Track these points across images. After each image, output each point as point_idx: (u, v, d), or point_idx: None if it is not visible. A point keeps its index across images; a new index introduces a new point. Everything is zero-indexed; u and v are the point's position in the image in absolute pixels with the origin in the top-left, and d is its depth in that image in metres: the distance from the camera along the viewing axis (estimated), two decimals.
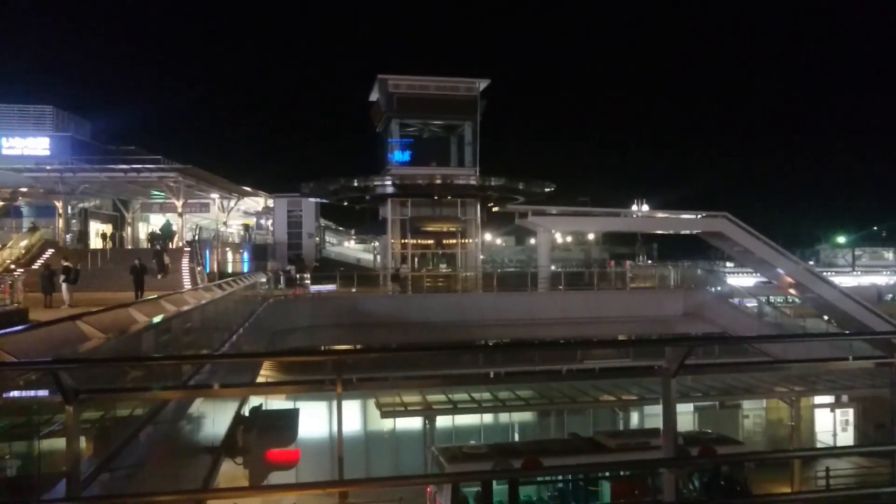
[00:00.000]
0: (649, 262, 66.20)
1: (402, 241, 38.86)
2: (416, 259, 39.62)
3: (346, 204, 45.64)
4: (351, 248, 64.40)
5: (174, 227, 52.36)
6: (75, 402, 2.74)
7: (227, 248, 51.84)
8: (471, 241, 40.09)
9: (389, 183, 38.83)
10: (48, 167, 44.67)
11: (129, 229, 57.92)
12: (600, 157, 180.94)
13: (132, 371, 5.39)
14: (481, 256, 40.87)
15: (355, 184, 39.40)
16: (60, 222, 48.60)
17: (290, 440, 7.93)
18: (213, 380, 8.26)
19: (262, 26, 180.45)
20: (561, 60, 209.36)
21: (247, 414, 8.73)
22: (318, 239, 57.72)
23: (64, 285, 27.00)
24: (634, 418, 28.81)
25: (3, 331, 3.65)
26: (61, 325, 4.71)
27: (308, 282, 33.45)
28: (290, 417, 8.32)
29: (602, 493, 20.32)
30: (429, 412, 24.44)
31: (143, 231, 58.66)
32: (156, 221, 57.91)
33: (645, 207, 55.04)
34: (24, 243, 43.74)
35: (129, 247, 51.04)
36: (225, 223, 56.81)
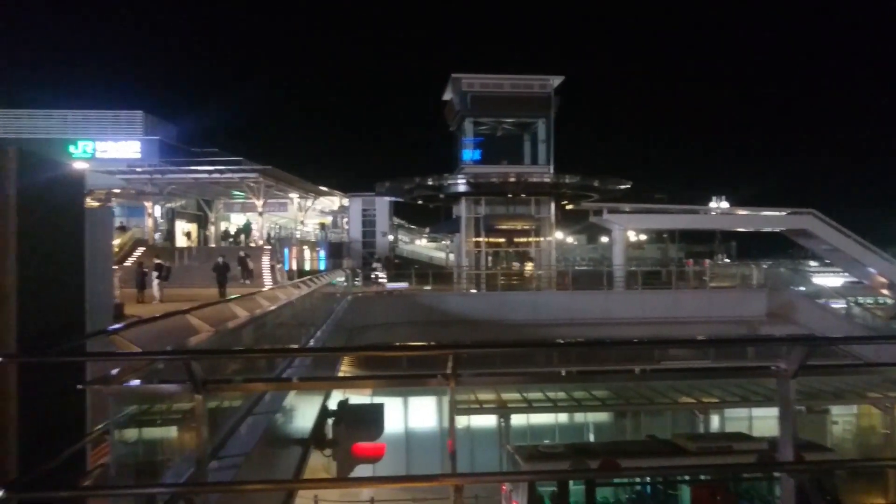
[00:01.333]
0: (727, 260, 64.25)
1: (476, 239, 38.99)
2: (489, 257, 39.68)
3: (420, 203, 46.14)
4: (423, 246, 65.10)
5: (253, 227, 54.26)
6: (204, 391, 2.95)
7: (305, 247, 53.30)
8: (544, 239, 39.86)
9: (463, 181, 39.01)
10: (139, 169, 47.00)
11: (212, 228, 60.31)
12: (677, 153, 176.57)
13: (231, 363, 5.67)
14: (554, 254, 40.55)
15: (430, 182, 39.77)
16: (149, 222, 51.06)
17: (376, 434, 8.16)
18: (301, 374, 8.60)
19: (338, 29, 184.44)
20: (637, 55, 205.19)
21: (333, 407, 9.02)
22: (391, 237, 58.62)
23: (156, 282, 28.42)
24: (715, 422, 28.03)
25: (128, 323, 3.95)
26: (174, 318, 5.03)
27: (384, 279, 34.03)
28: (377, 412, 8.55)
29: (682, 498, 19.88)
30: (504, 410, 24.48)
31: (231, 229, 60.97)
32: (237, 221, 60.11)
33: (724, 204, 53.41)
34: (116, 242, 46.21)
35: (213, 245, 53.12)
36: (302, 222, 58.40)
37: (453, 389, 3.17)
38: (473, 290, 34.29)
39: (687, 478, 19.17)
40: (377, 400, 18.34)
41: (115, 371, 3.30)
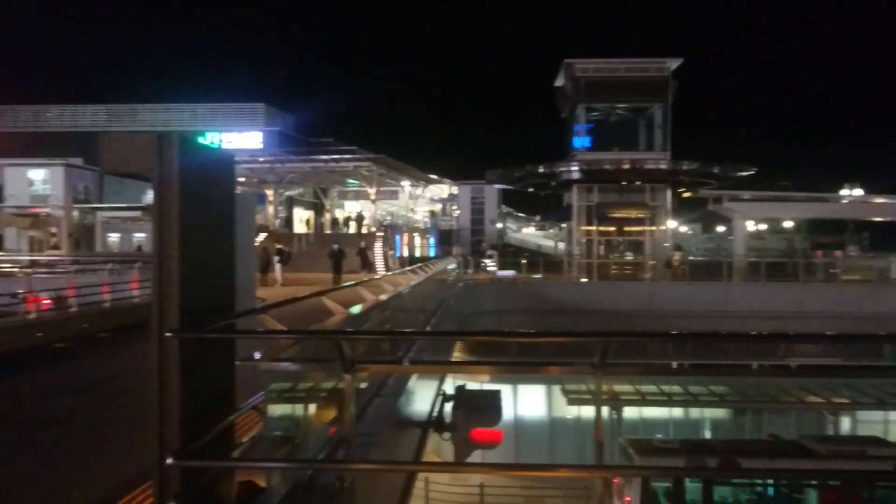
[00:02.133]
0: (860, 252, 59.67)
1: (588, 227, 38.23)
2: (601, 246, 38.83)
3: (530, 190, 45.74)
4: (531, 234, 64.61)
5: (366, 214, 55.77)
6: (352, 371, 3.04)
7: (416, 234, 54.25)
8: (659, 227, 38.52)
9: (575, 168, 38.28)
10: (261, 158, 49.38)
11: (327, 215, 62.52)
12: (803, 138, 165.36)
13: (359, 345, 5.82)
14: (669, 244, 39.11)
15: (540, 170, 39.32)
16: (270, 209, 53.57)
17: (495, 420, 8.15)
18: (416, 358, 8.75)
19: (450, 16, 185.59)
20: (760, 35, 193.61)
21: (451, 392, 9.11)
22: (499, 225, 58.58)
23: (278, 266, 29.85)
24: (845, 424, 26.19)
25: (274, 303, 4.13)
26: (311, 299, 5.23)
27: (494, 267, 34.07)
28: (495, 398, 8.53)
29: (807, 502, 18.74)
30: (615, 402, 23.95)
31: (340, 217, 63.01)
32: (350, 208, 62.02)
33: (857, 192, 49.56)
34: None
35: (328, 232, 55.12)
36: (412, 210, 59.43)
37: (601, 379, 3.09)
38: (584, 279, 33.69)
39: (814, 482, 18.04)
40: (489, 386, 18.42)
41: (253, 352, 3.46)
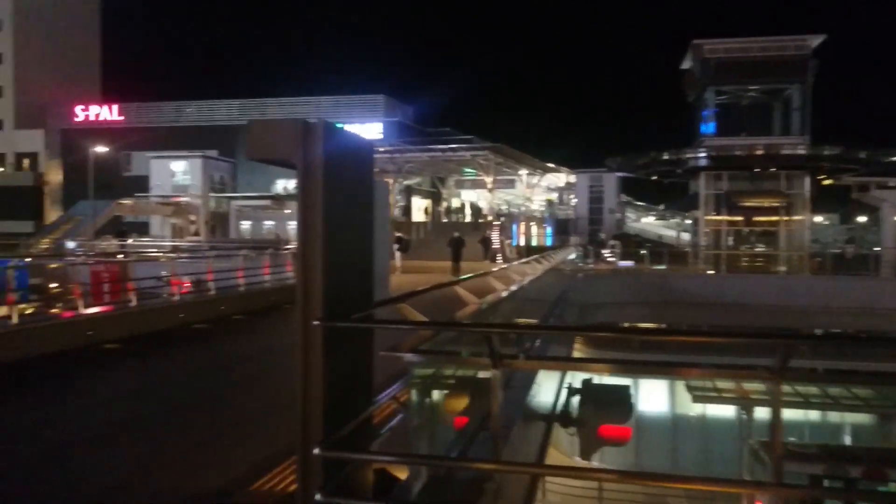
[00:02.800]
0: None
1: (716, 216, 36.29)
2: (729, 236, 36.78)
3: (654, 178, 43.99)
4: (650, 223, 62.38)
5: (482, 203, 55.85)
6: (501, 365, 2.91)
7: (532, 223, 53.75)
8: (796, 217, 35.94)
9: (703, 155, 36.34)
10: (381, 149, 50.56)
11: (444, 204, 63.19)
12: None
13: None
14: (808, 235, 36.45)
15: (665, 157, 37.65)
16: (389, 198, 54.80)
17: (625, 417, 7.80)
18: (536, 352, 8.56)
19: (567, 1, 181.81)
20: None
21: (576, 385, 8.86)
22: (618, 214, 56.97)
23: (397, 253, 30.44)
24: None
25: (410, 292, 4.06)
26: (441, 288, 5.16)
27: (614, 258, 33.11)
28: (624, 393, 8.17)
29: None
30: (745, 402, 22.66)
31: (456, 205, 63.51)
32: (467, 197, 62.40)
33: None
34: None
35: (445, 220, 55.71)
36: (529, 199, 58.90)
37: (779, 384, 2.76)
38: (711, 272, 32.05)
39: None
40: (615, 380, 17.82)
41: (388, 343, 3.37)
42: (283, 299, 17.60)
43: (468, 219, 55.22)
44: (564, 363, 5.63)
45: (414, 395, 3.55)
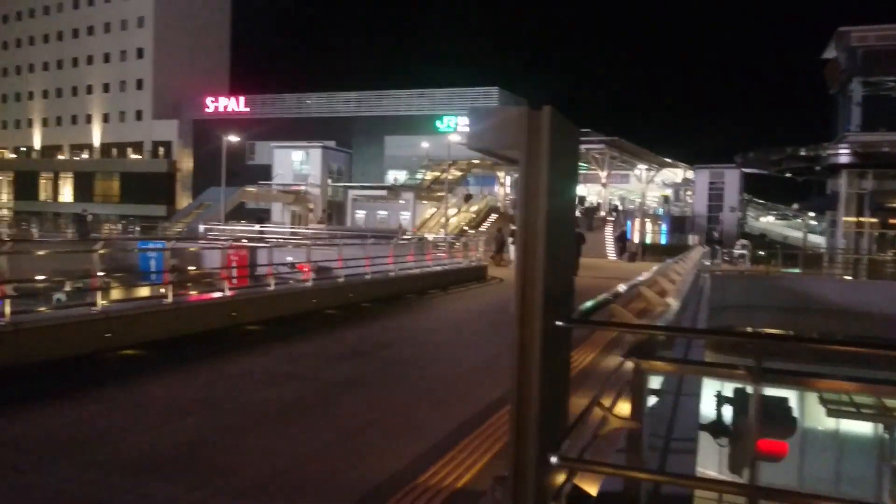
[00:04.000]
0: None
1: (857, 218, 33.72)
2: (873, 240, 34.05)
3: (787, 175, 41.39)
4: (773, 223, 58.95)
5: (594, 199, 54.65)
6: (763, 380, 2.68)
7: (647, 220, 52.10)
8: None
9: (846, 151, 33.76)
10: None
11: None
12: None
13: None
14: None
15: (803, 153, 35.28)
16: (501, 191, 54.66)
17: (788, 431, 7.23)
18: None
19: None
20: None
21: (729, 395, 8.38)
22: (740, 213, 54.22)
23: (512, 247, 30.25)
24: None
25: (614, 294, 3.86)
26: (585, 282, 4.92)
27: (743, 259, 31.48)
28: (784, 406, 7.58)
29: None
30: (888, 419, 20.96)
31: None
32: (578, 191, 61.31)
33: None
34: (474, 209, 50.51)
35: None
36: (643, 194, 57.11)
37: None
38: (848, 277, 29.84)
39: None
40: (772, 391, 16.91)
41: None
42: (406, 289, 17.83)
43: (577, 214, 54.33)
44: (709, 368, 5.23)
45: (635, 402, 3.32)
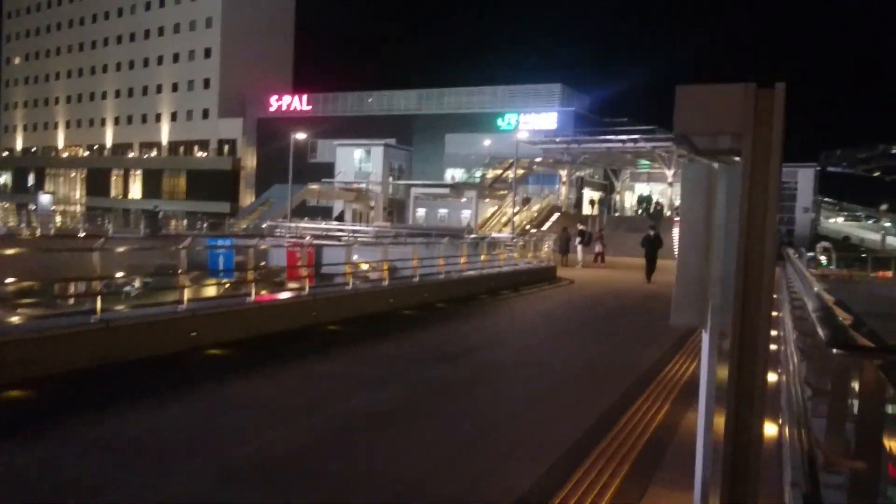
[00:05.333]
0: None
1: None
2: None
3: (876, 175, 39.40)
4: (847, 225, 56.28)
5: (659, 198, 53.14)
6: None
7: None
8: None
9: None
10: (558, 139, 49.55)
11: (617, 197, 60.99)
12: None
13: None
14: None
15: (895, 151, 33.46)
16: (563, 189, 53.72)
17: None
18: None
19: None
20: None
21: None
22: (813, 214, 51.97)
23: (579, 247, 29.47)
24: None
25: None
26: None
27: (826, 262, 29.95)
28: None
29: None
30: None
31: (628, 200, 61.08)
32: (640, 190, 59.80)
33: None
34: (535, 208, 49.76)
35: (617, 214, 53.71)
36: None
37: None
38: None
39: None
40: None
41: None
42: (479, 289, 17.43)
43: (638, 212, 52.99)
44: None
45: None
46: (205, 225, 38.83)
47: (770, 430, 4.86)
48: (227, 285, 19.53)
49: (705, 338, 3.91)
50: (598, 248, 30.60)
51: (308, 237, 26.99)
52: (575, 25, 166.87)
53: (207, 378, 7.81)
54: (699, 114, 2.53)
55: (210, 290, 17.93)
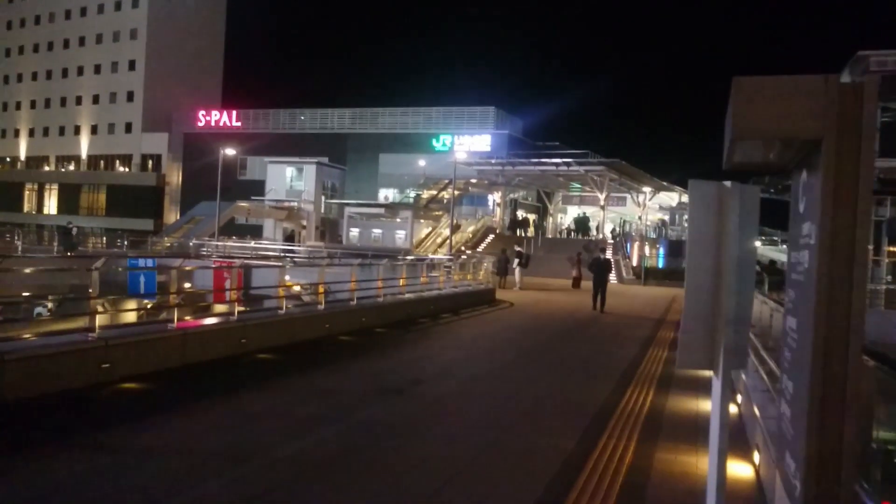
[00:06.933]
0: None
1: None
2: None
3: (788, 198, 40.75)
4: (768, 249, 58.61)
5: (590, 221, 53.92)
6: None
7: (645, 243, 51.42)
8: None
9: None
10: (493, 161, 49.61)
11: (549, 220, 61.64)
12: None
13: None
14: None
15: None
16: (498, 211, 53.79)
17: None
18: None
19: (695, 10, 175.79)
20: None
21: None
22: None
23: (517, 269, 29.18)
24: None
25: None
26: None
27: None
28: None
29: None
30: None
31: (563, 222, 61.82)
32: (573, 213, 60.68)
33: None
34: (471, 229, 49.56)
35: (549, 236, 54.13)
36: (640, 218, 56.51)
37: None
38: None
39: None
40: None
41: None
42: (419, 312, 16.75)
43: (571, 235, 53.60)
44: None
45: None
46: (125, 243, 36.75)
47: None
48: (149, 307, 18.25)
49: (716, 382, 3.40)
50: (574, 272, 30.86)
51: (238, 260, 25.74)
52: (507, 51, 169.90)
53: (121, 419, 6.84)
54: (766, 109, 1.97)
55: (129, 316, 16.65)
